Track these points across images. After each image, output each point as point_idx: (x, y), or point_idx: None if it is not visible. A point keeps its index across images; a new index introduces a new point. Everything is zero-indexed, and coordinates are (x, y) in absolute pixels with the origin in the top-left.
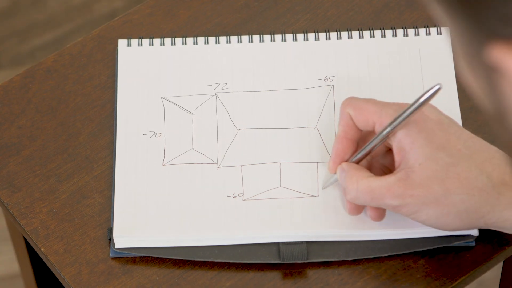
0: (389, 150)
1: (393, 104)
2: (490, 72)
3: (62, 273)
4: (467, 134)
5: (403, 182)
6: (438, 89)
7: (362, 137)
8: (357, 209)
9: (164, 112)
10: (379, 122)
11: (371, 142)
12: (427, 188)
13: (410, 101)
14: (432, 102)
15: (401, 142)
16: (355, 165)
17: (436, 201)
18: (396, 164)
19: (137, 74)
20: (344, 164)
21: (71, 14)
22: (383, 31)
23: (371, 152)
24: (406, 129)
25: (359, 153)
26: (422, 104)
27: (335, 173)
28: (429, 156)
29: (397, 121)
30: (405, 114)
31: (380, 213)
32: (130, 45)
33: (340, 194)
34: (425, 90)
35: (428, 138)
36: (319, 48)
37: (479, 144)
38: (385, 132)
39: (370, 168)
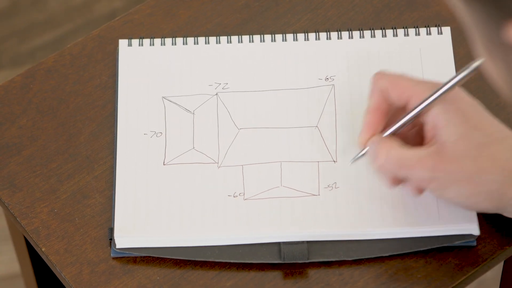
0: (416, 129)
1: (427, 81)
2: (508, 53)
3: (63, 273)
4: (497, 120)
5: (436, 155)
6: (479, 65)
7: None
8: (395, 180)
9: (165, 112)
10: (414, 96)
11: (406, 115)
12: (460, 164)
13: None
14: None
15: (435, 118)
16: (387, 137)
17: (468, 179)
18: (427, 139)
19: (138, 74)
20: (375, 137)
21: (71, 14)
22: (383, 31)
23: (404, 127)
24: (442, 106)
25: (393, 126)
26: (462, 79)
27: (364, 146)
28: (464, 134)
29: (436, 95)
30: (445, 88)
31: (421, 188)
32: (131, 45)
33: (341, 194)
34: (465, 66)
35: (464, 117)
36: (320, 48)
37: (509, 130)
38: (423, 105)
39: None
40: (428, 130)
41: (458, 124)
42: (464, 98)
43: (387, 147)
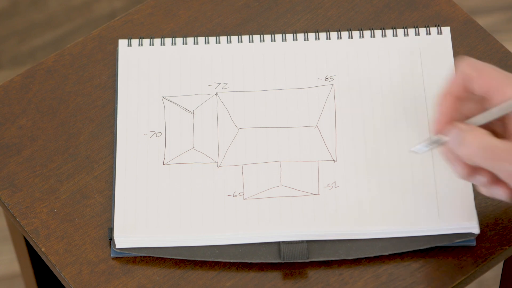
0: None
1: None
2: None
3: (62, 273)
4: None
5: None
6: None
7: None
8: (472, 171)
9: (164, 111)
10: (501, 89)
11: (495, 110)
12: None
13: (410, 100)
14: (433, 103)
15: None
16: (472, 125)
17: None
18: (509, 132)
19: (138, 74)
20: (461, 124)
21: (71, 14)
22: (383, 31)
23: (491, 120)
24: None
25: (477, 118)
26: None
27: (439, 132)
28: None
29: None
30: None
31: (493, 179)
32: (131, 45)
33: (340, 193)
34: None
35: None
36: (320, 48)
37: None
38: None
39: None
40: (510, 124)
41: None
42: None
43: (479, 135)
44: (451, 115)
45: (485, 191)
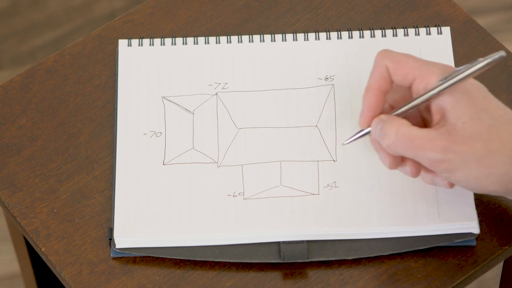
0: (419, 110)
1: (435, 62)
2: None
3: (62, 273)
4: (502, 103)
5: (446, 136)
6: (501, 57)
7: (391, 94)
8: (395, 162)
9: (164, 111)
10: (420, 78)
11: (415, 100)
12: (470, 146)
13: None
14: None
15: (443, 101)
16: (394, 116)
17: (478, 160)
18: (434, 121)
19: (138, 74)
20: (383, 115)
21: (71, 14)
22: (383, 31)
23: (411, 110)
24: (448, 89)
25: (401, 108)
26: (480, 69)
27: (366, 126)
28: (473, 116)
29: (451, 81)
30: (461, 76)
31: (418, 168)
32: (131, 45)
33: (340, 193)
34: (486, 56)
35: (471, 99)
36: (320, 48)
37: None
38: (435, 91)
39: None
40: (436, 112)
41: (467, 106)
42: (470, 80)
43: (396, 126)
44: (374, 108)
45: (427, 180)
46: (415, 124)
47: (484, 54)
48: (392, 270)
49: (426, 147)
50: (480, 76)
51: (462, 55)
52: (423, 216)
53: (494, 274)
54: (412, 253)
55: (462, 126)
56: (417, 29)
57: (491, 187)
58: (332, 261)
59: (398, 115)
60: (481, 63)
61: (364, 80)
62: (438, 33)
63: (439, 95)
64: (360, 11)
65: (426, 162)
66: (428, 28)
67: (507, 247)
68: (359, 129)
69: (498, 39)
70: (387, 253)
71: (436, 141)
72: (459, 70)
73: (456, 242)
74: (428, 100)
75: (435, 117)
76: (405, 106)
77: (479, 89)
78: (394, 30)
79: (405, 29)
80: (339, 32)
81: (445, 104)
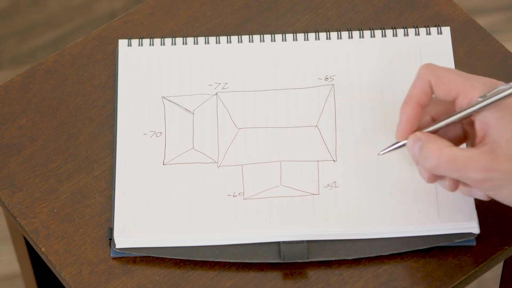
0: (456, 125)
1: (479, 77)
2: None
3: (62, 273)
4: None
5: (489, 155)
6: None
7: (432, 108)
8: (435, 177)
9: (164, 111)
10: (463, 94)
11: (456, 114)
12: None
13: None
14: None
15: (486, 116)
16: (433, 135)
17: None
18: (478, 138)
19: (138, 74)
20: (420, 134)
21: (71, 14)
22: (383, 31)
23: (449, 125)
24: (493, 104)
25: (439, 123)
26: None
27: (403, 139)
28: None
29: (493, 99)
30: (502, 95)
31: (456, 184)
32: (131, 45)
33: (340, 193)
34: None
35: None
36: (320, 48)
37: None
38: (475, 107)
39: None
40: (480, 128)
41: (510, 123)
42: None
43: (439, 148)
44: (412, 121)
45: (465, 192)
46: (454, 136)
47: (484, 54)
48: (392, 270)
49: (469, 168)
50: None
51: (462, 55)
52: (423, 216)
53: (494, 274)
54: (412, 253)
55: (506, 143)
56: (417, 29)
57: None
58: (332, 261)
59: (436, 129)
60: None
61: (364, 80)
62: (438, 33)
63: (481, 110)
64: (360, 11)
65: (471, 181)
66: (428, 28)
67: (507, 247)
68: (395, 141)
69: (498, 39)
70: (387, 253)
71: (479, 161)
72: (503, 86)
73: (456, 242)
74: (470, 115)
75: (479, 133)
76: (445, 120)
77: None
78: (394, 30)
79: (405, 29)
80: (339, 32)
81: (488, 120)
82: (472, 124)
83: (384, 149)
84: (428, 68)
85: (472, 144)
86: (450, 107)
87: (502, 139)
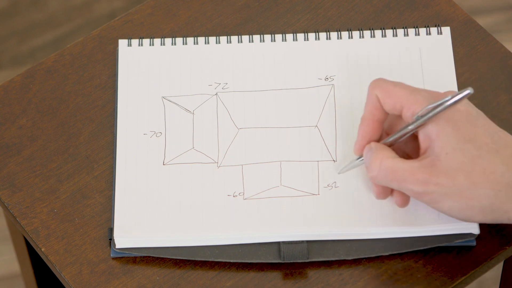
0: (413, 137)
1: (422, 90)
2: None
3: (62, 273)
4: (494, 127)
5: (428, 169)
6: (469, 93)
7: (388, 121)
8: (384, 192)
9: (164, 111)
10: (407, 107)
11: (401, 130)
12: (452, 179)
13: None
14: None
15: (428, 129)
16: (383, 145)
17: (460, 193)
18: (421, 151)
19: (138, 74)
20: (373, 143)
21: (71, 14)
22: (383, 31)
23: (399, 140)
24: (433, 117)
25: (387, 139)
26: (456, 103)
27: (360, 154)
28: (456, 147)
29: (436, 111)
30: (446, 105)
31: (405, 199)
32: (131, 45)
33: (340, 193)
34: (461, 90)
35: (456, 128)
36: (320, 48)
37: (506, 139)
38: (418, 122)
39: None
40: (422, 141)
41: (450, 136)
42: (458, 107)
43: (380, 158)
44: (368, 137)
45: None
46: (414, 148)
47: (484, 54)
48: (392, 270)
49: (407, 180)
50: (480, 76)
51: (462, 55)
52: (423, 216)
53: (494, 274)
54: (412, 253)
55: (445, 157)
56: (417, 29)
57: (476, 218)
58: (332, 261)
59: (391, 142)
60: (461, 94)
61: (364, 80)
62: (438, 33)
63: (425, 124)
64: (360, 11)
65: (410, 193)
66: (428, 28)
67: (507, 247)
68: (355, 157)
69: (498, 39)
70: (387, 253)
71: (417, 174)
72: (445, 99)
73: (456, 242)
74: (415, 128)
75: (422, 146)
76: (393, 136)
77: (466, 116)
78: (394, 30)
79: (405, 29)
80: (339, 32)
81: (430, 133)
82: (416, 137)
83: (344, 167)
84: (375, 83)
85: (417, 156)
86: (401, 122)
87: (442, 152)
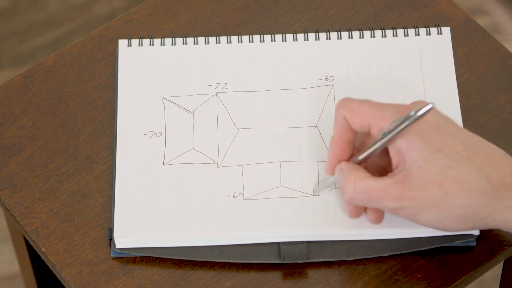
0: (386, 151)
1: (388, 105)
2: None
3: (62, 273)
4: (465, 133)
5: (401, 184)
6: (431, 108)
7: (358, 138)
8: (357, 211)
9: (164, 112)
10: (374, 124)
11: (370, 148)
12: (425, 191)
13: (411, 101)
14: (429, 100)
15: (397, 144)
16: (354, 165)
17: (436, 204)
18: (394, 166)
19: (138, 74)
20: (343, 164)
21: (71, 14)
22: (383, 31)
23: (369, 157)
24: (401, 131)
25: (356, 157)
26: (421, 117)
27: (332, 174)
28: (427, 158)
29: (397, 130)
30: (404, 125)
31: (379, 216)
32: (131, 45)
33: (340, 194)
34: (423, 104)
35: (424, 140)
36: (320, 48)
37: (478, 144)
38: (384, 140)
39: (366, 169)
40: (393, 156)
41: (420, 149)
42: (425, 118)
43: (353, 180)
44: (337, 158)
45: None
46: (386, 163)
47: (484, 54)
48: (392, 270)
49: (383, 198)
50: (480, 76)
51: (462, 55)
52: None
53: (494, 274)
54: (412, 253)
55: (417, 170)
56: (417, 29)
57: (454, 227)
58: (332, 261)
59: (360, 160)
60: (425, 108)
61: (364, 81)
62: (438, 33)
63: (394, 139)
64: (360, 11)
65: (387, 210)
66: (428, 28)
67: (507, 247)
68: (327, 177)
69: (498, 39)
70: (387, 254)
71: (391, 190)
72: (411, 113)
73: (456, 243)
74: (383, 145)
75: (393, 161)
76: (362, 153)
77: (434, 126)
78: (394, 30)
79: (405, 29)
80: (339, 32)
81: (400, 148)
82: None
83: (317, 187)
84: (341, 103)
85: (389, 171)
86: (370, 139)
87: (413, 166)
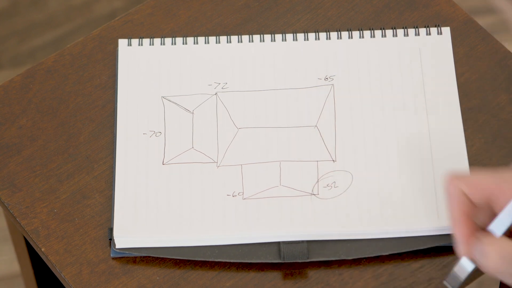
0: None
1: (508, 175)
2: None
3: (62, 273)
4: None
5: None
6: None
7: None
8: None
9: (164, 111)
10: (503, 197)
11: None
12: None
13: (410, 101)
14: (433, 103)
15: None
16: (490, 233)
17: None
18: None
19: (138, 74)
20: (483, 237)
21: (71, 14)
22: (383, 31)
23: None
24: None
25: (497, 223)
26: None
27: (468, 254)
28: None
29: None
30: None
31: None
32: (131, 45)
33: (340, 193)
34: None
35: None
36: (320, 48)
37: None
38: None
39: None
40: None
41: None
42: None
43: (498, 247)
44: (469, 233)
45: None
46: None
47: (484, 54)
48: (392, 270)
49: None
50: (480, 76)
51: (462, 55)
52: (423, 217)
53: None
54: (412, 253)
55: None
56: (417, 29)
57: None
58: (332, 261)
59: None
60: None
61: (364, 80)
62: (438, 33)
63: None
64: (360, 11)
65: None
66: (428, 28)
67: None
68: (459, 264)
69: (498, 39)
70: (387, 253)
71: None
72: None
73: None
74: None
75: None
76: (498, 221)
77: None
78: (394, 30)
79: (405, 29)
80: (339, 32)
81: None
82: None
83: (454, 278)
84: (457, 180)
85: None
86: (491, 212)
87: None
